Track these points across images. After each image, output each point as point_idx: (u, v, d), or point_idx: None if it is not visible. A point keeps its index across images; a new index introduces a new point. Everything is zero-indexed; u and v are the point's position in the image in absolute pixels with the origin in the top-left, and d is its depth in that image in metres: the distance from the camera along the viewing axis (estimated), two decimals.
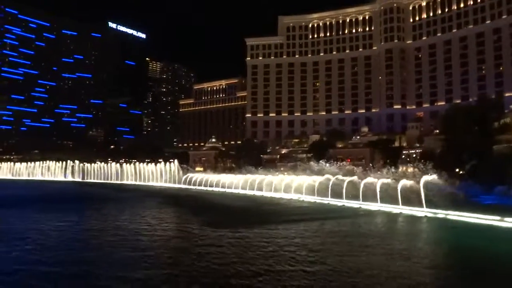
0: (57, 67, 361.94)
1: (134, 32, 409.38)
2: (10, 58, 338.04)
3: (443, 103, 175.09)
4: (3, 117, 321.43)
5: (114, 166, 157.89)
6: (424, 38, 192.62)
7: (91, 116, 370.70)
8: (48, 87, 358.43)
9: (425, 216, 43.26)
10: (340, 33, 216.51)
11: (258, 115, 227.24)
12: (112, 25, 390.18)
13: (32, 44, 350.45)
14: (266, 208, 54.49)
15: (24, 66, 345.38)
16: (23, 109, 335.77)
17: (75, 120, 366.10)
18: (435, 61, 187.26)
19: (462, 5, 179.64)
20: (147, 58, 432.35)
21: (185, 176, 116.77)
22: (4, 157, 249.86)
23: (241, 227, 35.13)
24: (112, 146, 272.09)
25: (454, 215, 41.41)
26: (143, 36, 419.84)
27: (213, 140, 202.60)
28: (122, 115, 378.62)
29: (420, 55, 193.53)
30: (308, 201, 62.84)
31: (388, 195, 50.44)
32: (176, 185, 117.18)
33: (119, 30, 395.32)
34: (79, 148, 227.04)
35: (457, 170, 64.03)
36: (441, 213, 42.90)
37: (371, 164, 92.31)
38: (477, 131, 70.76)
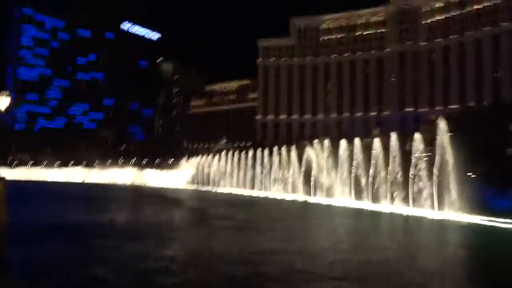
0: (71, 67, 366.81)
1: (148, 33, 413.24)
2: (26, 59, 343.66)
3: (456, 105, 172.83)
4: (17, 117, 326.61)
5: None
6: (437, 40, 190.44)
7: (103, 116, 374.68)
8: (62, 87, 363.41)
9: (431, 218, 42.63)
10: (352, 34, 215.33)
11: (269, 116, 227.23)
12: (125, 25, 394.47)
13: (47, 44, 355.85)
14: None
15: (39, 66, 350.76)
16: (37, 109, 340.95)
17: (87, 120, 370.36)
18: (449, 63, 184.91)
19: (477, 6, 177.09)
20: (160, 58, 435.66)
21: None
22: (17, 157, 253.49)
23: None
24: (123, 147, 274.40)
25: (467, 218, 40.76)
26: (156, 36, 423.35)
27: (223, 141, 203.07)
28: (133, 115, 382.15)
29: (433, 57, 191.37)
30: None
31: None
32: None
33: (133, 30, 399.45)
34: (91, 147, 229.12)
35: (468, 173, 63.03)
36: (453, 216, 42.29)
37: None
38: (490, 134, 69.60)
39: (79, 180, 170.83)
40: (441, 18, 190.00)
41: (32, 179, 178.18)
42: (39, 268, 19.12)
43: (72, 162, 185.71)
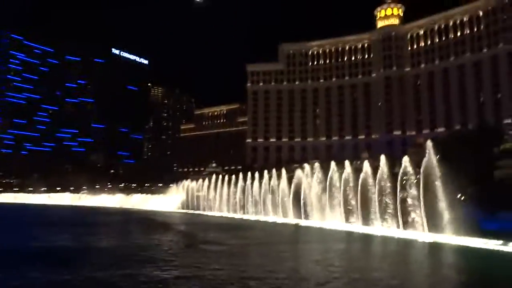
0: (60, 91, 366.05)
1: (137, 58, 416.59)
2: (14, 83, 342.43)
3: (442, 129, 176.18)
4: (4, 140, 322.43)
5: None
6: (422, 65, 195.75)
7: (92, 140, 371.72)
8: (50, 112, 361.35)
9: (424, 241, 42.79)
10: (340, 60, 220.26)
11: (258, 140, 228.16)
12: (115, 51, 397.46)
13: (36, 69, 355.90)
14: None
15: (28, 91, 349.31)
16: (25, 133, 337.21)
17: (76, 144, 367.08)
18: (434, 88, 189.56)
19: (459, 34, 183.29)
20: (149, 84, 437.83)
21: None
22: (4, 181, 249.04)
23: None
24: (112, 171, 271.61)
25: (458, 240, 41.02)
26: (146, 62, 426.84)
27: (214, 165, 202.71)
28: (123, 139, 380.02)
29: (419, 82, 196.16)
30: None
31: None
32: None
33: (122, 56, 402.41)
34: (79, 172, 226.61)
35: (458, 196, 63.79)
36: (443, 238, 42.54)
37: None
38: (476, 157, 70.89)
39: (67, 203, 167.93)
40: (424, 44, 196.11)
41: (19, 202, 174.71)
42: None
43: (59, 186, 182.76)
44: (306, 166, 75.64)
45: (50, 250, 34.20)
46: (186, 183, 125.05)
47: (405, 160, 52.37)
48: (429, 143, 50.74)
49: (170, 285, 20.95)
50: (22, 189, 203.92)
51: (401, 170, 52.99)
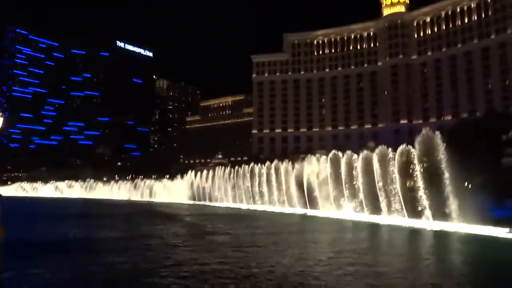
0: (66, 85, 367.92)
1: (142, 51, 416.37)
2: (20, 78, 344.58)
3: (449, 117, 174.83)
4: (12, 135, 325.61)
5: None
6: (429, 53, 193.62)
7: (98, 133, 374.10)
8: (56, 105, 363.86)
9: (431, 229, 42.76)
10: (345, 49, 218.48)
11: (264, 131, 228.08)
12: (120, 44, 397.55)
13: (41, 63, 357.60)
14: None
15: (34, 85, 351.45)
16: (32, 127, 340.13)
17: (83, 137, 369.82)
18: (441, 76, 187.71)
19: (466, 20, 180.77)
20: (154, 76, 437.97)
21: None
22: (13, 175, 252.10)
23: None
24: (119, 163, 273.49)
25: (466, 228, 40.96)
26: (150, 54, 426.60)
27: (220, 156, 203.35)
28: (129, 132, 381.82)
29: (425, 70, 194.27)
30: None
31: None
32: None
33: (127, 48, 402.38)
34: (86, 165, 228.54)
35: (465, 184, 63.49)
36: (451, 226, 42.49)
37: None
38: (484, 145, 70.42)
39: (75, 196, 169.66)
40: (431, 32, 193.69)
41: (28, 196, 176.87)
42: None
43: (67, 179, 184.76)
44: (312, 157, 75.57)
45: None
46: (193, 174, 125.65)
47: (412, 150, 52.06)
48: (436, 132, 50.39)
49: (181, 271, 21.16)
50: (31, 182, 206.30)
51: (408, 159, 52.71)
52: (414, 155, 51.22)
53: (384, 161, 55.95)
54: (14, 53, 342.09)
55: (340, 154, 67.02)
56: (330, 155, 69.31)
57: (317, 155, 77.72)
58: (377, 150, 58.02)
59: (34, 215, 69.45)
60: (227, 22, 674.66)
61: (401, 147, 52.81)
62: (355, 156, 63.31)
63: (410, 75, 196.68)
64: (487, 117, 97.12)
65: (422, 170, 50.72)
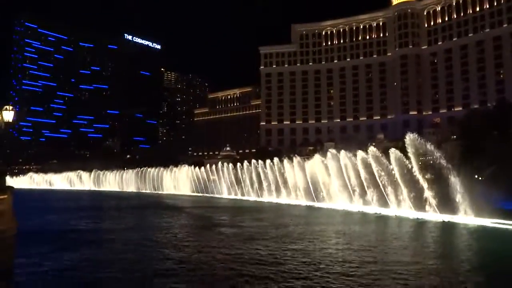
0: (75, 78, 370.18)
1: (149, 43, 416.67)
2: (30, 71, 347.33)
3: (460, 108, 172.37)
4: (23, 128, 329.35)
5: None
6: (439, 43, 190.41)
7: (107, 126, 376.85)
8: (66, 99, 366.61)
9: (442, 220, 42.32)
10: (354, 40, 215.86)
11: (273, 123, 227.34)
12: (127, 36, 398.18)
13: (51, 56, 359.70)
14: None
15: (43, 79, 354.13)
16: (42, 120, 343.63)
17: (92, 130, 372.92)
18: (451, 66, 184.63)
19: (478, 9, 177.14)
20: (162, 68, 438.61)
21: None
22: (24, 167, 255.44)
23: None
24: (128, 156, 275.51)
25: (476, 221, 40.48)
26: (158, 46, 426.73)
27: (228, 148, 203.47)
28: (138, 125, 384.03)
29: (435, 60, 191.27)
30: None
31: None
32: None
33: (135, 41, 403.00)
34: (96, 157, 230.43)
35: (476, 176, 62.61)
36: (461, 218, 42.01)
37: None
38: (496, 136, 69.25)
39: (86, 188, 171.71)
40: (442, 21, 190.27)
41: (39, 188, 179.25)
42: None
43: (77, 171, 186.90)
44: (320, 150, 75.11)
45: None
46: (201, 167, 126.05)
47: (422, 141, 51.34)
48: (446, 123, 49.65)
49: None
50: (41, 174, 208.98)
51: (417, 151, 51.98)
52: (423, 146, 50.44)
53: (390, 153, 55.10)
54: (23, 47, 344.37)
55: (347, 147, 66.39)
56: (334, 147, 68.69)
57: (326, 147, 76.98)
58: (383, 142, 57.27)
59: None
60: (235, 14, 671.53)
61: (413, 139, 51.11)
62: (360, 150, 62.49)
63: (420, 65, 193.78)
64: (499, 108, 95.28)
65: (431, 162, 50.12)
